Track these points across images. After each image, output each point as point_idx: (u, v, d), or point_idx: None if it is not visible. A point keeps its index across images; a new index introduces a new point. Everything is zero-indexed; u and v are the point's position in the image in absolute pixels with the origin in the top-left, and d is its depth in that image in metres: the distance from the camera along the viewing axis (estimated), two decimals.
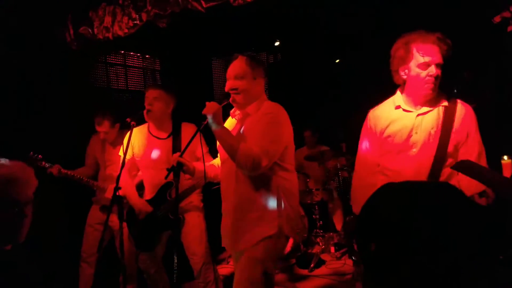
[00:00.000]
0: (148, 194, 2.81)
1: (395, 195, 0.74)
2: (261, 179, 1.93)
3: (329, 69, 5.74)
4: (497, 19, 1.90)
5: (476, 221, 0.70)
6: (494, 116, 3.50)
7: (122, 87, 4.76)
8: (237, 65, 2.04)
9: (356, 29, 4.58)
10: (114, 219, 3.11)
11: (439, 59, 1.79)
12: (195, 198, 2.84)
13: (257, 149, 1.85)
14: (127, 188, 2.75)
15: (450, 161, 1.83)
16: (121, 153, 2.76)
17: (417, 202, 0.71)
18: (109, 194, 3.20)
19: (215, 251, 3.45)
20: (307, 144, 5.07)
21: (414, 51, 1.81)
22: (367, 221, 0.75)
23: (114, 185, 3.01)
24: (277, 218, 1.92)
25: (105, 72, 4.56)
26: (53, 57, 3.73)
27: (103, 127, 3.21)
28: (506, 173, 1.99)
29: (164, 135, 2.79)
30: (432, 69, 1.79)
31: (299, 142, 5.17)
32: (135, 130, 2.75)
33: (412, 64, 1.83)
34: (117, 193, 2.37)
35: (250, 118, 2.04)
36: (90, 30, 3.40)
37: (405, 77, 1.89)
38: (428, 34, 1.81)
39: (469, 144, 1.85)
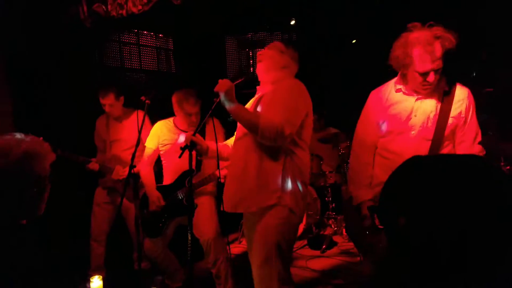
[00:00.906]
0: (169, 180, 2.91)
1: (427, 168, 0.71)
2: (272, 151, 1.93)
3: (346, 50, 5.61)
4: None
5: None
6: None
7: (136, 67, 4.74)
8: (273, 42, 2.18)
9: (373, 11, 4.45)
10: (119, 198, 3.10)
11: (438, 64, 1.81)
12: (210, 184, 2.89)
13: (278, 118, 1.84)
14: (147, 179, 2.88)
15: (446, 144, 1.91)
16: (148, 143, 2.92)
17: (451, 174, 0.67)
18: (115, 176, 3.20)
19: (227, 231, 3.47)
20: (313, 127, 4.95)
21: (416, 57, 1.82)
22: (393, 197, 0.72)
23: (120, 166, 3.05)
24: (279, 190, 1.92)
25: (119, 51, 4.54)
26: (67, 35, 3.72)
27: (108, 99, 3.17)
28: None
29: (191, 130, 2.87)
30: (430, 77, 1.82)
31: None
32: (162, 122, 2.96)
33: (411, 69, 1.87)
34: (132, 171, 2.39)
35: (271, 89, 2.04)
36: (104, 7, 3.36)
37: (404, 72, 1.94)
38: (428, 36, 1.80)
39: (466, 127, 1.92)
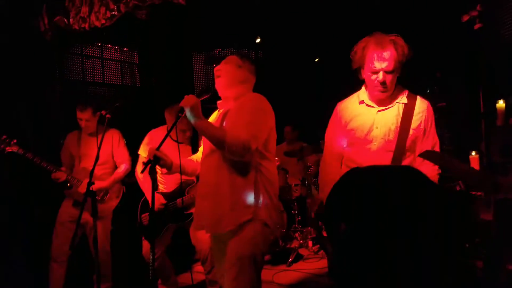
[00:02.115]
0: (168, 188, 3.07)
1: (363, 178, 0.76)
2: (241, 167, 1.95)
3: (309, 67, 5.80)
4: (465, 17, 1.97)
5: (441, 203, 0.72)
6: (464, 114, 3.65)
7: (99, 80, 4.65)
8: (228, 56, 2.16)
9: (335, 29, 4.65)
10: (86, 216, 3.03)
11: (388, 66, 1.90)
12: None
13: (244, 134, 1.87)
14: (144, 184, 3.03)
15: (408, 155, 1.96)
16: (141, 152, 3.08)
17: (384, 184, 0.72)
18: (82, 189, 3.11)
19: None
20: (286, 140, 5.11)
21: (368, 56, 1.93)
22: (336, 203, 0.76)
23: (88, 179, 3.00)
24: (253, 205, 1.94)
25: (81, 65, 4.44)
26: (26, 47, 3.60)
27: (85, 114, 3.14)
28: (474, 166, 2.07)
29: (182, 139, 3.04)
30: (380, 76, 1.91)
31: (279, 138, 5.18)
32: (154, 131, 3.13)
33: (366, 68, 1.97)
34: (91, 188, 2.33)
35: (234, 105, 2.06)
36: (65, 20, 3.30)
37: (363, 77, 2.03)
38: (383, 39, 1.92)
39: (425, 138, 1.98)
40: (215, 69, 2.13)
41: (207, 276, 2.90)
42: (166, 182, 3.09)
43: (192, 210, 2.94)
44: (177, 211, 2.97)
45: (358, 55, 1.98)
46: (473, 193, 2.32)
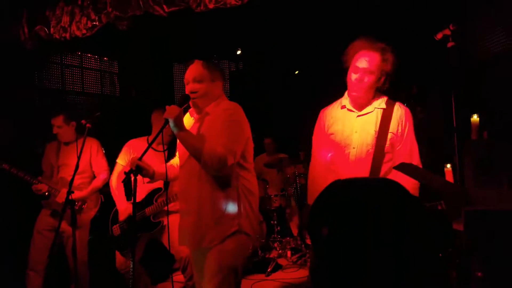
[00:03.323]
0: (139, 196, 2.95)
1: (345, 190, 0.82)
2: (222, 179, 1.96)
3: (289, 79, 5.91)
4: (439, 35, 2.08)
5: (419, 216, 0.79)
6: (440, 128, 3.80)
7: (78, 89, 4.61)
8: (195, 69, 2.07)
9: (315, 42, 4.78)
10: (64, 226, 2.99)
11: (370, 67, 1.97)
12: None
13: (221, 148, 1.87)
14: (115, 192, 2.99)
15: (388, 157, 2.02)
16: (119, 161, 3.03)
17: (365, 196, 0.79)
18: (60, 199, 3.07)
19: None
20: (267, 151, 5.18)
21: (355, 56, 2.01)
22: (319, 211, 0.82)
23: (66, 189, 2.97)
24: (237, 217, 1.96)
25: (60, 73, 4.40)
26: (3, 55, 3.55)
27: (57, 121, 3.13)
28: (448, 179, 2.17)
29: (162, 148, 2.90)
30: (359, 75, 1.98)
31: (259, 149, 5.27)
32: (133, 141, 3.08)
33: (350, 68, 2.04)
34: (70, 197, 2.32)
35: (209, 117, 2.07)
36: (46, 30, 3.28)
37: (347, 78, 2.08)
38: (373, 43, 2.00)
39: (403, 142, 2.03)
40: (190, 89, 2.05)
41: (188, 283, 2.88)
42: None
43: (161, 219, 2.94)
44: (145, 220, 2.94)
45: (348, 55, 2.06)
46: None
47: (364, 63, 1.98)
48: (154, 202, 2.96)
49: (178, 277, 3.13)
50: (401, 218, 0.80)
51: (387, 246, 0.76)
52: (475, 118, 2.55)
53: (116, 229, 2.99)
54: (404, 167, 1.67)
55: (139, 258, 3.01)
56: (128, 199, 3.03)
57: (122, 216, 2.93)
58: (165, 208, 2.92)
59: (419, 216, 0.83)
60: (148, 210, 2.93)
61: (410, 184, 1.82)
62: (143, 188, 2.94)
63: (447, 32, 2.06)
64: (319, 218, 0.84)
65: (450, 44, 2.06)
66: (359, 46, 2.03)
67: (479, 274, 2.07)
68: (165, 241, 2.92)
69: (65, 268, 3.18)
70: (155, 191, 2.98)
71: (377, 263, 0.76)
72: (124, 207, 2.94)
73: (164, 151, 2.59)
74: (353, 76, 2.02)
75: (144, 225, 2.95)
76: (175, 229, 2.72)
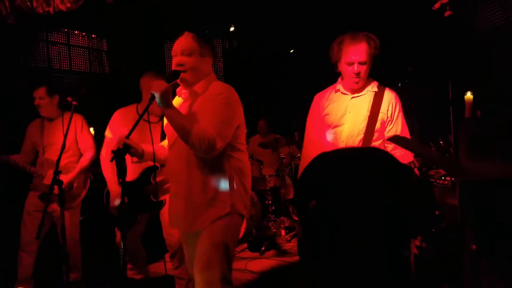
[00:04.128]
0: (131, 175, 2.83)
1: (333, 159, 0.77)
2: (213, 160, 1.90)
3: (284, 58, 5.81)
4: (436, 5, 2.08)
5: (410, 183, 0.74)
6: (433, 107, 3.81)
7: (65, 68, 4.47)
8: (184, 41, 1.97)
9: (310, 20, 4.67)
10: (54, 206, 2.94)
11: (362, 58, 2.11)
12: None
13: (211, 130, 1.80)
14: (108, 171, 2.81)
15: (377, 136, 2.16)
16: (107, 133, 2.84)
17: (354, 163, 0.74)
18: (47, 181, 2.99)
19: None
20: (260, 132, 5.15)
21: (344, 50, 2.14)
22: (306, 184, 0.77)
23: (53, 170, 2.90)
24: (230, 198, 1.92)
25: (46, 51, 4.25)
26: None
27: (39, 92, 3.03)
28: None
29: (155, 119, 2.80)
30: (354, 67, 2.12)
31: (252, 130, 5.22)
32: (122, 110, 2.86)
33: (342, 61, 2.17)
34: (57, 177, 2.26)
35: (200, 98, 1.98)
36: (28, 3, 3.14)
37: (339, 70, 2.24)
38: (357, 35, 2.14)
39: (394, 123, 2.19)
40: (177, 61, 1.95)
41: (175, 271, 2.81)
42: (129, 170, 2.86)
43: (164, 197, 2.82)
44: (145, 200, 2.82)
45: (335, 51, 2.18)
46: (439, 181, 2.44)
47: (356, 56, 2.11)
48: (152, 180, 2.81)
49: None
50: (392, 185, 0.74)
51: (378, 214, 0.71)
52: (469, 95, 2.51)
53: (113, 209, 2.86)
54: (397, 139, 1.69)
55: (139, 236, 2.97)
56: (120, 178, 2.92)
57: (114, 201, 2.77)
58: (166, 186, 2.79)
59: (410, 183, 0.78)
60: (147, 189, 2.80)
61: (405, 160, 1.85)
62: (135, 166, 2.79)
63: (444, 1, 2.07)
64: (306, 191, 0.78)
65: (447, 13, 2.07)
66: (345, 40, 2.15)
67: (473, 246, 2.09)
68: (162, 218, 2.85)
69: (58, 248, 3.15)
70: (150, 169, 2.82)
71: (368, 233, 0.71)
72: (116, 190, 2.79)
73: (149, 123, 2.23)
74: (349, 70, 2.14)
75: (145, 205, 2.81)
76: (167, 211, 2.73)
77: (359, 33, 2.14)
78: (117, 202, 2.76)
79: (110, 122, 2.87)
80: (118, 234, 2.91)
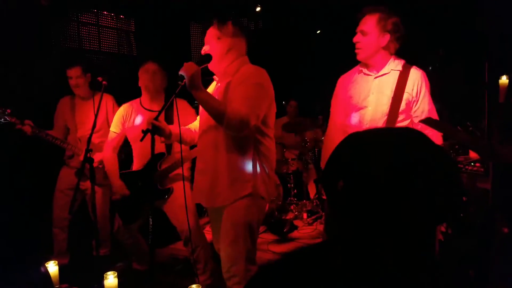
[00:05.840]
0: (138, 165, 2.83)
1: (363, 139, 0.77)
2: (241, 143, 1.95)
3: (311, 39, 5.70)
4: None
5: (442, 165, 0.72)
6: (463, 88, 3.70)
7: (95, 48, 4.56)
8: (209, 30, 2.04)
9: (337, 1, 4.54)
10: (86, 183, 3.05)
11: (363, 27, 2.07)
12: (184, 168, 2.80)
13: (244, 109, 1.84)
14: (110, 165, 2.84)
15: (402, 118, 2.08)
16: (113, 128, 2.85)
17: (384, 142, 0.73)
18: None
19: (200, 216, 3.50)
20: (288, 113, 5.11)
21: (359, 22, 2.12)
22: (334, 165, 0.77)
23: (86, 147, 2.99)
24: (252, 180, 1.97)
25: (77, 32, 4.34)
26: (20, 13, 3.51)
27: (74, 72, 3.08)
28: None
29: (157, 107, 2.80)
30: (356, 36, 2.10)
31: (279, 111, 5.17)
32: (127, 104, 2.87)
33: None
34: (88, 155, 2.34)
35: (232, 80, 2.01)
36: None
37: None
38: (369, 7, 2.09)
39: (421, 103, 2.09)
40: (203, 52, 2.03)
41: (191, 256, 2.78)
42: (136, 158, 2.85)
43: (169, 185, 2.79)
44: (152, 189, 2.77)
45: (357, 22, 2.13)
46: (468, 167, 2.38)
47: (360, 25, 2.08)
48: (158, 168, 2.78)
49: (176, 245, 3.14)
50: (428, 167, 0.73)
51: (410, 197, 0.70)
52: (504, 79, 2.40)
53: (120, 201, 2.83)
54: (430, 121, 1.65)
55: (138, 227, 2.92)
56: (127, 168, 2.85)
57: (116, 195, 2.78)
58: (172, 174, 2.79)
59: (446, 165, 0.76)
60: (155, 177, 2.76)
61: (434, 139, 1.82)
62: (140, 155, 2.78)
63: None
64: (335, 170, 0.78)
65: None
66: (362, 12, 2.12)
67: (505, 229, 2.05)
68: (167, 209, 2.80)
69: (89, 223, 3.28)
70: (156, 157, 2.77)
71: (394, 214, 0.70)
72: (119, 184, 2.78)
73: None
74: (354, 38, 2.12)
75: (151, 194, 2.74)
76: (177, 199, 2.71)
77: (375, 7, 2.08)
78: (118, 195, 2.78)
79: (115, 117, 2.86)
80: (117, 222, 2.94)
